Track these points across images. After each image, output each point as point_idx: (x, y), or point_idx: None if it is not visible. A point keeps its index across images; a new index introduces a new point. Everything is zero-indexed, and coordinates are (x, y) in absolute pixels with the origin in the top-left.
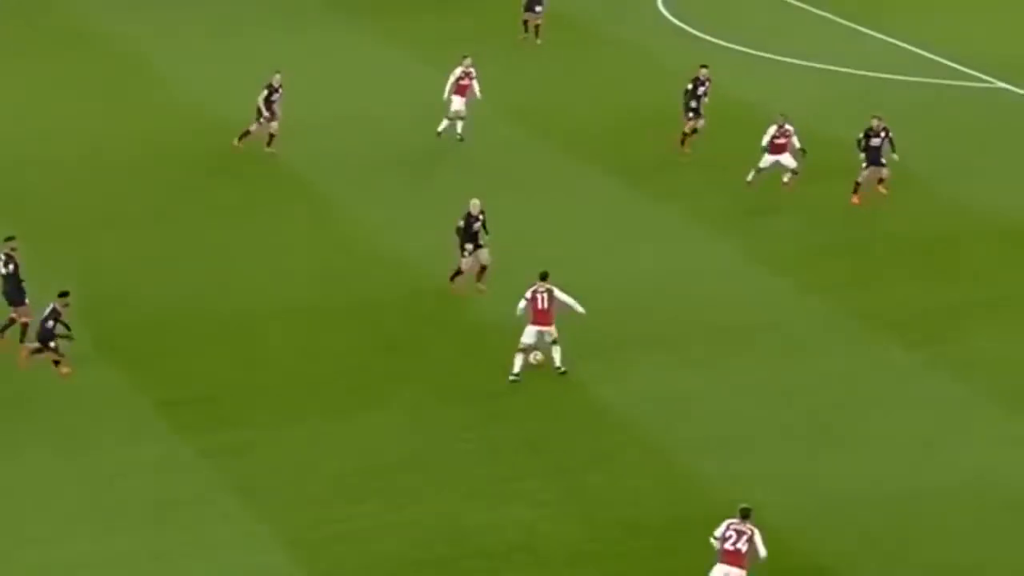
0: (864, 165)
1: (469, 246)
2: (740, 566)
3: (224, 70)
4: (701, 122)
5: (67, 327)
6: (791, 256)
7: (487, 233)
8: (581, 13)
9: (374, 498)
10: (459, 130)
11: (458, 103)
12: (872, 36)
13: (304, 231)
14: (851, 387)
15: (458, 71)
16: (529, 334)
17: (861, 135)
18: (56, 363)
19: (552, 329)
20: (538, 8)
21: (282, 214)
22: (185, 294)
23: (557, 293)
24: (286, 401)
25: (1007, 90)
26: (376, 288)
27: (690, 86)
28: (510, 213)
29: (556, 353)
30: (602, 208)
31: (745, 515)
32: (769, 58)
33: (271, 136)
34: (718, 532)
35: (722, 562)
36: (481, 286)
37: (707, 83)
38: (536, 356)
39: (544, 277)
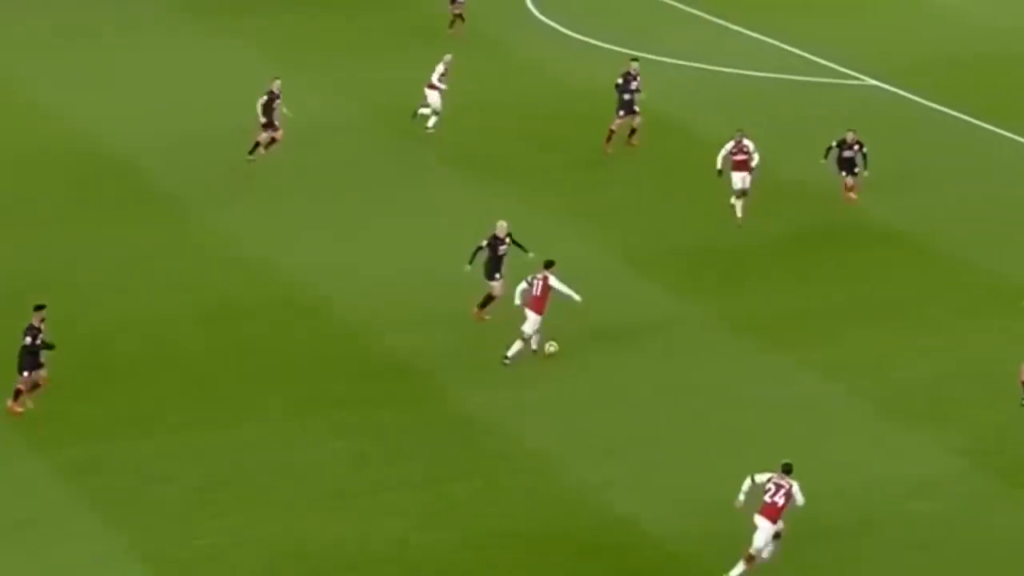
0: (841, 172)
1: (498, 274)
2: (773, 519)
3: (80, 79)
4: (638, 119)
5: (47, 344)
6: (665, 258)
7: (526, 251)
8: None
9: (239, 511)
10: (418, 114)
11: (433, 95)
12: (743, 34)
13: (159, 240)
14: (727, 390)
15: (440, 69)
16: (528, 322)
17: (834, 144)
18: (17, 394)
19: (538, 319)
20: None
21: (135, 223)
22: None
23: (553, 282)
24: (146, 412)
25: (878, 87)
26: (237, 295)
27: (620, 80)
28: (375, 217)
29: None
30: (470, 210)
31: (787, 470)
32: (642, 57)
33: (272, 141)
34: (759, 479)
35: (759, 513)
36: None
37: (638, 78)
38: (551, 346)
39: (547, 265)
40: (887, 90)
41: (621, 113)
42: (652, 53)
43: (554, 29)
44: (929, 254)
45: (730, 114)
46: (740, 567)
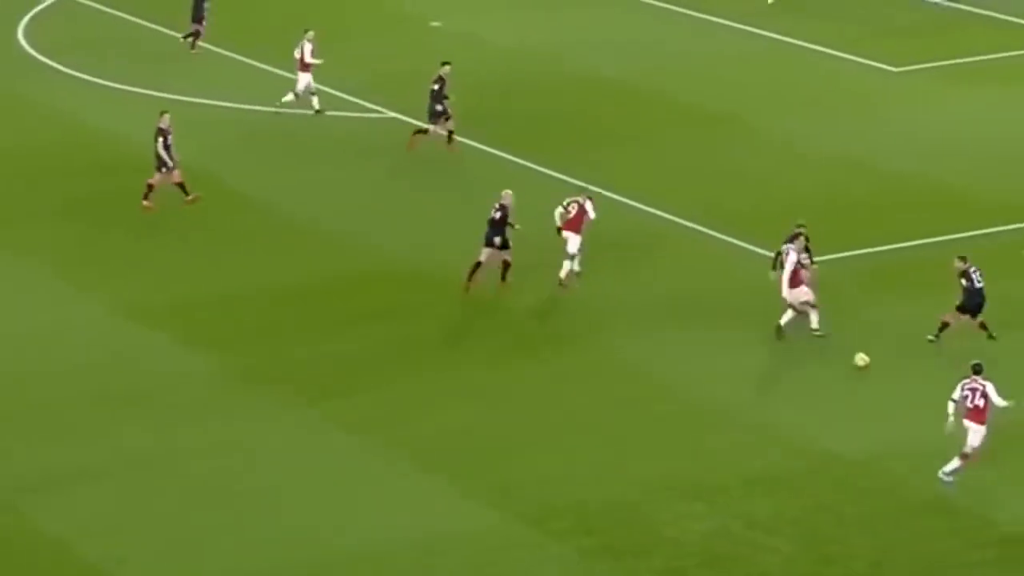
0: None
1: (497, 240)
2: (982, 422)
3: None
4: (451, 123)
5: None
6: (170, 311)
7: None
8: None
9: None
10: (316, 104)
11: (305, 79)
12: (259, 68)
13: None
14: (247, 450)
15: (308, 47)
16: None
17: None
18: None
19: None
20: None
21: None
22: None
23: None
24: None
25: (398, 119)
26: None
27: (436, 87)
28: None
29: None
30: None
31: (977, 371)
32: (144, 93)
33: (181, 185)
34: (956, 395)
35: (967, 419)
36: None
37: (446, 81)
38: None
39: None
40: (407, 121)
41: (436, 120)
42: (155, 89)
43: (48, 65)
44: (463, 295)
45: (252, 152)
46: (955, 463)
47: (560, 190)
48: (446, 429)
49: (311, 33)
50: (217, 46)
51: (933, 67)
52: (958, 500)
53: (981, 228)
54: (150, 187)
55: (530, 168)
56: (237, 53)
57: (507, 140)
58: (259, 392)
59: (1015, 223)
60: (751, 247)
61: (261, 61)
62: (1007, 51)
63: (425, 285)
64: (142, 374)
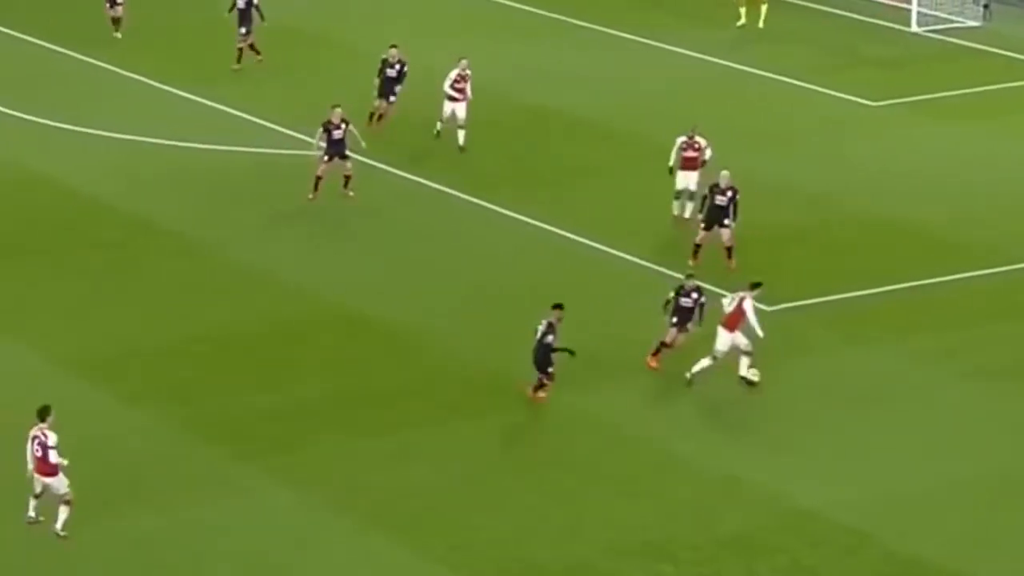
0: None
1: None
2: None
3: None
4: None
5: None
6: (119, 362)
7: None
8: None
9: None
10: (460, 140)
11: (456, 109)
12: (199, 103)
13: None
14: (189, 509)
15: (453, 74)
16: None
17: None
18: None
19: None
20: (243, 30)
21: None
22: None
23: (748, 305)
24: None
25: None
26: None
27: (381, 71)
28: None
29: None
30: None
31: None
32: (71, 129)
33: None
34: None
35: None
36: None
37: (403, 64)
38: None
39: (754, 286)
40: (355, 159)
41: (389, 99)
42: (83, 125)
43: None
44: (418, 346)
45: (187, 192)
46: None
47: (521, 231)
48: (395, 487)
49: (464, 61)
50: (150, 78)
51: (914, 101)
52: (940, 559)
53: (960, 272)
54: (318, 179)
55: (487, 208)
56: (173, 87)
57: (460, 179)
58: (200, 447)
59: (996, 267)
60: (717, 290)
61: (198, 95)
62: (993, 84)
63: (372, 334)
64: (85, 427)
